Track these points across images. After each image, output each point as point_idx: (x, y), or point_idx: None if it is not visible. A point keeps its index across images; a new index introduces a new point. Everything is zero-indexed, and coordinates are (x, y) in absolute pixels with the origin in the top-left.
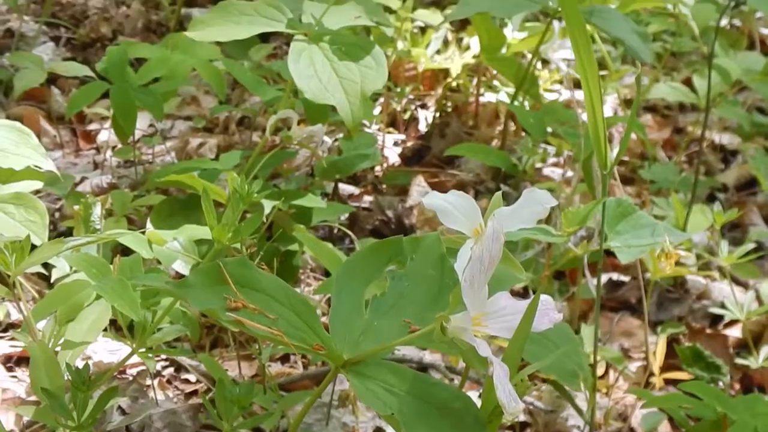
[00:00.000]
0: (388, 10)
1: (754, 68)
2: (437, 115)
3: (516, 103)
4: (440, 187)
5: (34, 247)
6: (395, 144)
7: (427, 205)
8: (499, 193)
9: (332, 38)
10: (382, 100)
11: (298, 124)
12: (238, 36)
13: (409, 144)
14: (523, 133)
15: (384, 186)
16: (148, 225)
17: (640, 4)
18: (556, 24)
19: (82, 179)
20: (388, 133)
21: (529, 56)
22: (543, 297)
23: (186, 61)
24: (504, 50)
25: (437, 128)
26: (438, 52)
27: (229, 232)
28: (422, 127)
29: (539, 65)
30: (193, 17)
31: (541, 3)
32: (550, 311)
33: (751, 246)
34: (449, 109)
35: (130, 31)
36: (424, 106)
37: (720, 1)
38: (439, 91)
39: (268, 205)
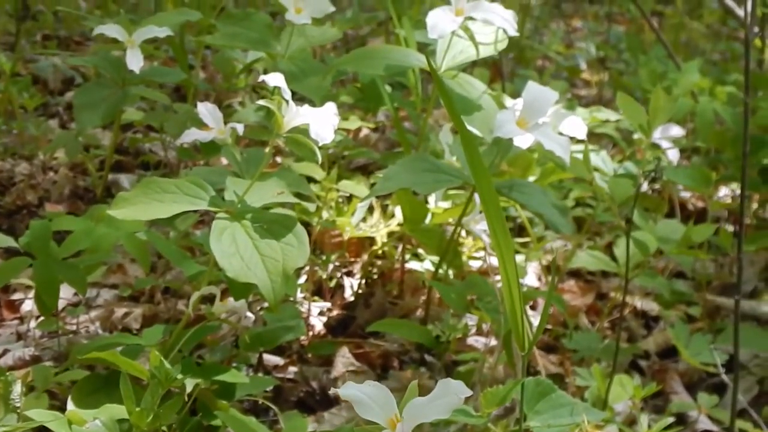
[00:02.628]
0: (312, 180)
1: (672, 236)
2: (363, 281)
3: (441, 271)
4: (365, 358)
5: None
6: (320, 313)
7: (343, 396)
8: (414, 383)
9: (254, 216)
10: (307, 268)
11: (223, 294)
12: (159, 215)
13: (334, 313)
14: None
15: (309, 356)
16: (69, 403)
17: (559, 176)
18: (477, 196)
19: (5, 351)
20: (314, 301)
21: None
22: None
23: (110, 235)
24: (428, 219)
25: (362, 298)
26: (364, 219)
27: (148, 416)
28: (348, 295)
29: (463, 232)
30: (120, 185)
31: (460, 178)
32: None
33: (670, 420)
34: (375, 276)
35: (57, 197)
36: (349, 274)
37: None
38: (365, 257)
39: (189, 384)
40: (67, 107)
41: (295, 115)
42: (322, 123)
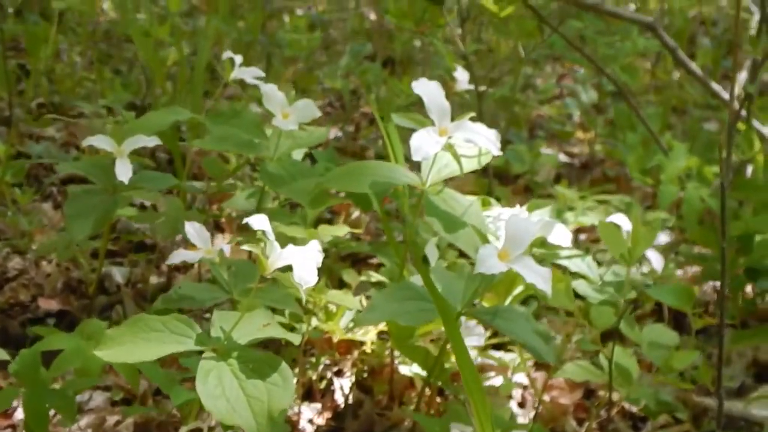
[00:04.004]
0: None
1: (661, 341)
2: (353, 381)
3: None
4: None
5: None
6: (310, 421)
7: None
8: None
9: (240, 354)
10: (297, 369)
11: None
12: (146, 357)
13: (323, 422)
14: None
15: None
16: None
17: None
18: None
19: None
20: (304, 403)
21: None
22: None
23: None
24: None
25: (351, 408)
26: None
27: None
28: (338, 397)
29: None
30: (112, 278)
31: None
32: None
33: None
34: (365, 374)
35: (50, 291)
36: (339, 373)
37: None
38: (356, 354)
39: None
40: (61, 184)
41: (279, 257)
42: (306, 265)
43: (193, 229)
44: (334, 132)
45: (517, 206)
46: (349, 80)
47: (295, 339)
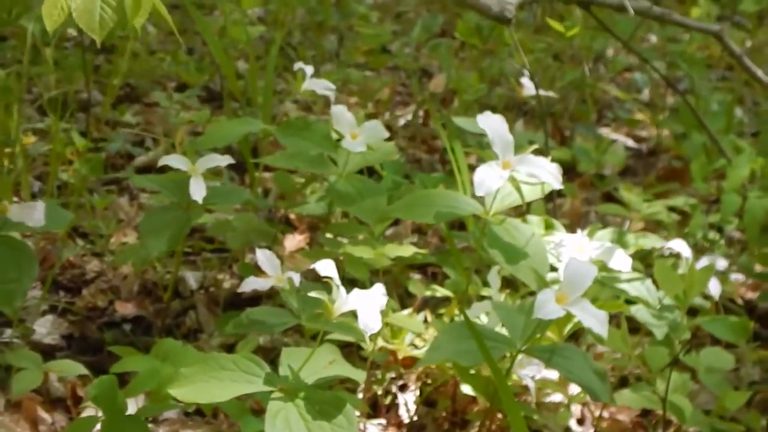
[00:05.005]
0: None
1: (718, 365)
2: (417, 394)
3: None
4: None
5: None
6: None
7: None
8: None
9: (307, 395)
10: (363, 385)
11: None
12: (218, 399)
13: None
14: None
15: None
16: None
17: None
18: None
19: None
20: (369, 418)
21: None
22: None
23: (175, 376)
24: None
25: (415, 425)
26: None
27: None
28: (402, 412)
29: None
30: (186, 283)
31: (507, 346)
32: None
33: None
34: (429, 388)
35: (127, 294)
36: (404, 387)
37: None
38: (420, 368)
39: None
40: (136, 173)
41: (345, 302)
42: (370, 311)
43: (264, 257)
44: (403, 119)
45: (578, 232)
46: (419, 57)
47: (360, 377)
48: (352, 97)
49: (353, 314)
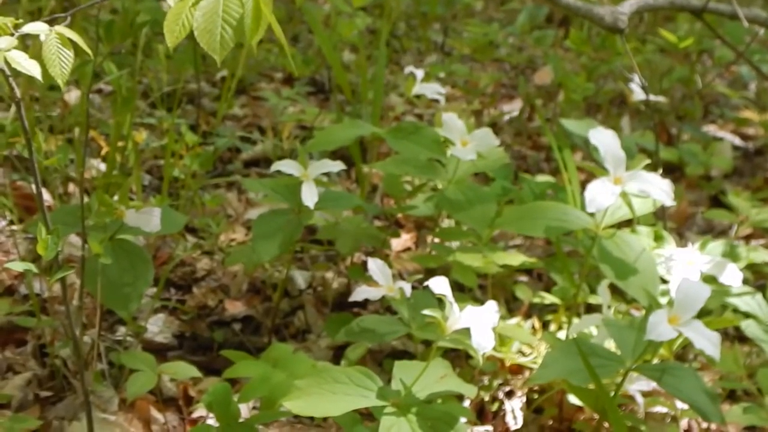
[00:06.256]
0: None
1: None
2: (524, 400)
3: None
4: None
5: None
6: None
7: None
8: None
9: (419, 410)
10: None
11: None
12: (332, 412)
13: None
14: None
15: None
16: None
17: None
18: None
19: None
20: (476, 425)
21: None
22: None
23: (286, 384)
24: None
25: None
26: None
27: None
28: (509, 419)
29: None
30: (294, 282)
31: (618, 364)
32: None
33: None
34: (536, 395)
35: (236, 293)
36: (510, 394)
37: None
38: (527, 374)
39: None
40: (244, 167)
41: (458, 320)
42: (483, 330)
43: (375, 266)
44: (508, 115)
45: (690, 245)
46: (523, 48)
47: (471, 392)
48: (458, 91)
49: (466, 331)
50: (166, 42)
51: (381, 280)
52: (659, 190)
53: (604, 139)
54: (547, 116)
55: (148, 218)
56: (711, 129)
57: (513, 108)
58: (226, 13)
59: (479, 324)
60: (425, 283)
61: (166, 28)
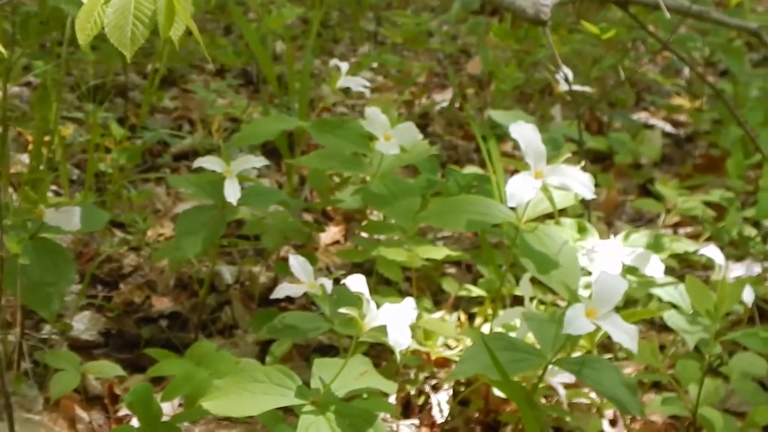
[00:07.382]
0: None
1: (751, 371)
2: (450, 393)
3: None
4: None
5: None
6: None
7: None
8: None
9: (338, 408)
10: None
11: None
12: (250, 412)
13: None
14: None
15: None
16: None
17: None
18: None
19: None
20: (400, 419)
21: None
22: None
23: (208, 381)
24: None
25: (449, 425)
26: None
27: None
28: (435, 413)
29: None
30: (221, 277)
31: (539, 358)
32: None
33: None
34: (462, 387)
35: (163, 289)
36: (437, 387)
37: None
38: (453, 367)
39: None
40: (173, 160)
41: (375, 317)
42: (400, 327)
43: (296, 263)
44: (439, 105)
45: (611, 237)
46: (457, 36)
47: (391, 388)
48: (390, 81)
49: (384, 327)
50: (78, 40)
51: (302, 276)
52: (579, 183)
53: (524, 132)
54: (479, 105)
55: (68, 217)
56: (643, 116)
57: (445, 97)
58: (138, 9)
59: (396, 321)
60: (341, 282)
61: (77, 26)
